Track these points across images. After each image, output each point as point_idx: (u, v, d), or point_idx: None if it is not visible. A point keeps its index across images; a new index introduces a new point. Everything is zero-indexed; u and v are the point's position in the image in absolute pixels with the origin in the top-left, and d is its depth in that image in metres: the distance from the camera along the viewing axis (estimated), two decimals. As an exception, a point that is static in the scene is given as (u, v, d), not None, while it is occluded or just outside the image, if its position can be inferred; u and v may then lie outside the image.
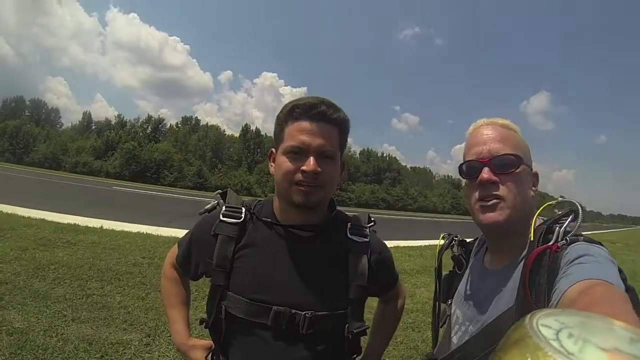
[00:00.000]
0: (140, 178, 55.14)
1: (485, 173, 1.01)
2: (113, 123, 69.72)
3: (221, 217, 1.19)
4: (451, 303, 1.27)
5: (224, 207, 1.22)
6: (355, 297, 1.17)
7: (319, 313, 1.12)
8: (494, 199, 1.01)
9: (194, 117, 78.71)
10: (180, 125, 74.60)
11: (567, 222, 0.93)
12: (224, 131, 75.01)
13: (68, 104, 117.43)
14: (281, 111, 1.16)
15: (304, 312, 1.10)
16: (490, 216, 1.01)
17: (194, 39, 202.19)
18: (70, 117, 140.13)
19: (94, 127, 71.06)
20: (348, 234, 1.22)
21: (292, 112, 1.12)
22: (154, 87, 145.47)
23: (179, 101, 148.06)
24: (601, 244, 0.91)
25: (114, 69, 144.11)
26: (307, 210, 1.14)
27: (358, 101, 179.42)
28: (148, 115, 76.27)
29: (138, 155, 58.91)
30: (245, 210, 1.21)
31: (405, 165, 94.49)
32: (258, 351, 1.14)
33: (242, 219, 1.19)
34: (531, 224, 0.99)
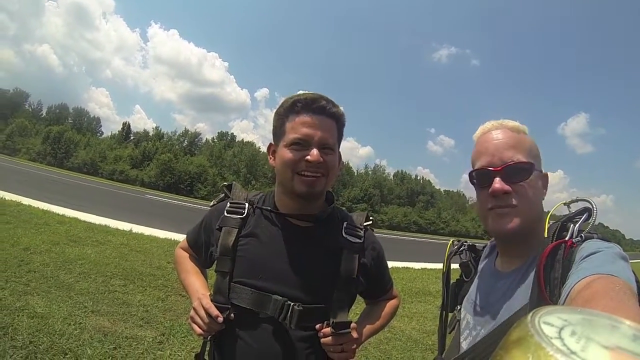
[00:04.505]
0: (174, 189, 56.65)
1: (497, 183, 0.98)
2: (151, 134, 72.48)
3: (225, 213, 1.24)
4: (459, 309, 1.24)
5: (228, 203, 1.27)
6: (343, 290, 1.18)
7: (308, 306, 1.13)
8: (507, 207, 0.98)
9: (229, 133, 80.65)
10: (216, 140, 76.61)
11: (581, 220, 0.93)
12: (259, 148, 75.37)
13: (109, 114, 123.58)
14: (281, 106, 1.20)
15: (293, 304, 1.12)
16: (502, 224, 0.99)
17: (232, 56, 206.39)
18: (110, 126, 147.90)
19: (132, 137, 73.91)
20: (343, 233, 1.23)
21: (293, 107, 1.16)
22: (192, 101, 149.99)
23: (216, 116, 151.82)
24: (616, 244, 0.89)
25: (153, 82, 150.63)
26: (310, 200, 1.17)
27: (393, 123, 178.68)
28: (185, 128, 79.25)
29: (173, 167, 60.68)
30: (249, 205, 1.26)
31: (439, 189, 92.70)
32: (247, 338, 1.15)
33: (244, 215, 1.23)
34: (544, 225, 0.97)
